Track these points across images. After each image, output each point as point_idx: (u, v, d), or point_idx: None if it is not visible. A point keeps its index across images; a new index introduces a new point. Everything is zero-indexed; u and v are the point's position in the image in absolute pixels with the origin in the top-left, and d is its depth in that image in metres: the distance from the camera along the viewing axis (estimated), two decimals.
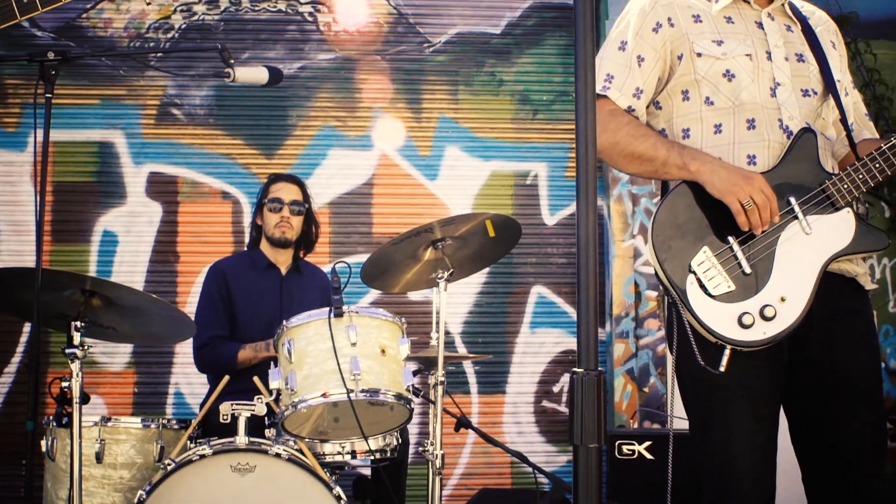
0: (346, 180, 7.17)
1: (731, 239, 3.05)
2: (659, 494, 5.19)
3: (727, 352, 2.98)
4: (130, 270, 6.96)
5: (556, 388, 7.14)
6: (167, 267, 7.00)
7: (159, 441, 4.51)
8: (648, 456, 5.34)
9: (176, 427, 4.61)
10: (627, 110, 3.23)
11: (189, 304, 6.85)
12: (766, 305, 2.99)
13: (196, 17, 7.10)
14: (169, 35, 7.06)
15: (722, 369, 2.97)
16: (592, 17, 2.11)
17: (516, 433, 7.06)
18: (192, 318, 4.84)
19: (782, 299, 3.01)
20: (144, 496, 3.98)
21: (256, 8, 7.14)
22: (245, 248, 5.67)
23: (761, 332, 2.99)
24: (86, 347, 4.12)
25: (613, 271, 7.00)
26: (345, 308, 4.26)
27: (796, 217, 3.08)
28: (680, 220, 3.08)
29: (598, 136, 3.06)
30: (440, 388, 4.51)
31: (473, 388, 7.09)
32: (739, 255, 3.04)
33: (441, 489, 4.53)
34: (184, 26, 7.10)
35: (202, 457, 4.05)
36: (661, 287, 3.15)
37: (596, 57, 3.28)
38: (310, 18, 7.21)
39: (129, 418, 4.57)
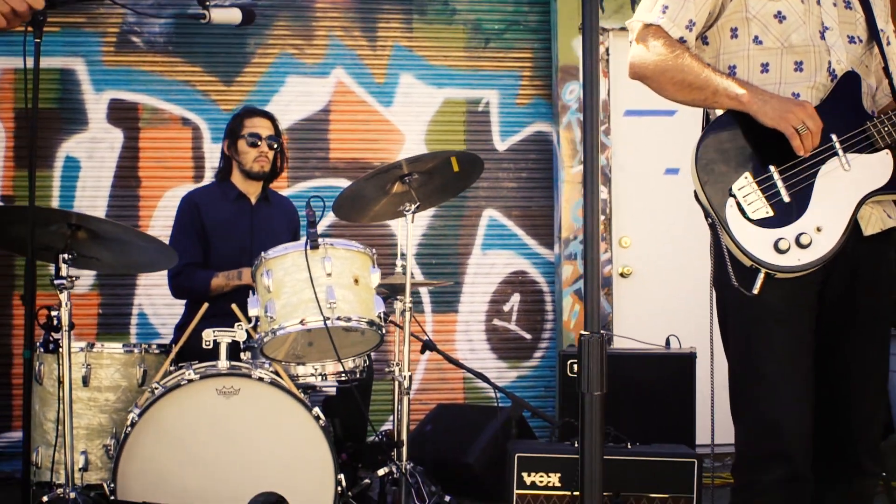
0: (304, 107, 7.31)
1: (772, 168, 3.13)
2: (609, 407, 5.55)
3: (761, 275, 3.07)
4: (93, 195, 7.08)
5: (506, 308, 7.41)
6: (129, 192, 7.13)
7: (142, 365, 4.78)
8: None
9: (156, 352, 4.87)
10: (679, 41, 3.27)
11: (152, 227, 7.04)
12: (802, 233, 3.07)
13: None
14: None
15: (755, 291, 3.07)
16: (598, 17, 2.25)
17: (468, 350, 7.32)
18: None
19: (818, 229, 3.08)
20: (136, 419, 4.22)
21: None
22: (213, 179, 5.84)
23: (796, 258, 3.07)
24: (73, 278, 4.36)
25: (562, 196, 7.23)
26: (320, 241, 4.50)
27: (836, 153, 3.15)
28: (724, 147, 3.16)
29: (650, 62, 3.29)
30: (408, 314, 4.79)
31: (427, 307, 7.34)
32: (779, 183, 3.12)
33: (409, 408, 4.83)
34: None
35: (189, 381, 4.29)
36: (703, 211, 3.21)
37: None
38: None
39: (113, 344, 4.80)
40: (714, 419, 3.35)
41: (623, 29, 7.31)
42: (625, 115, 7.32)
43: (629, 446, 4.73)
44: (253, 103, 7.02)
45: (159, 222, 7.04)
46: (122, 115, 7.16)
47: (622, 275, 7.33)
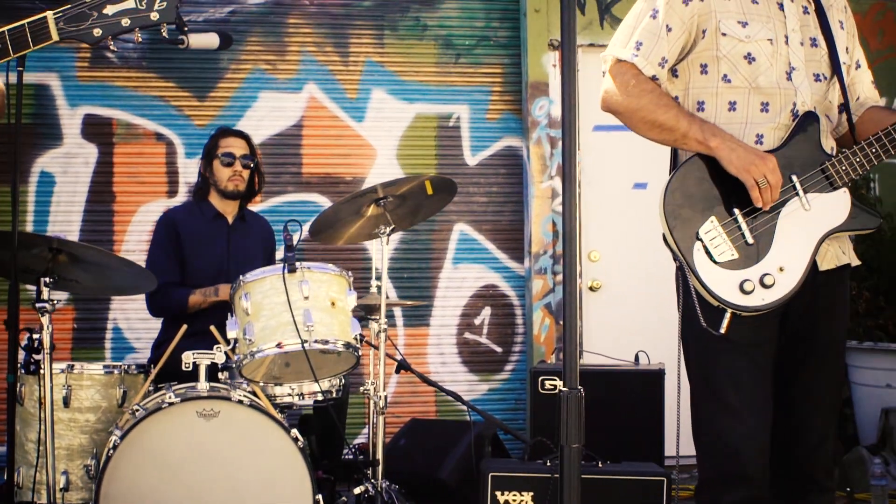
0: (276, 122, 7.37)
1: (736, 211, 3.24)
2: None
3: (728, 315, 3.20)
4: (67, 210, 7.12)
5: (477, 321, 7.50)
6: (103, 207, 7.17)
7: (122, 386, 4.83)
8: None
9: (135, 372, 4.93)
10: (652, 78, 3.35)
11: (126, 241, 7.11)
12: (766, 274, 3.20)
13: None
14: None
15: (722, 331, 3.19)
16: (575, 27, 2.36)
17: (440, 363, 7.41)
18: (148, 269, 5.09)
19: (781, 269, 3.21)
20: (118, 441, 4.28)
21: None
22: (188, 196, 5.91)
23: (760, 298, 3.20)
24: (55, 301, 4.42)
25: (532, 211, 7.33)
26: (298, 264, 4.58)
27: (797, 194, 3.27)
28: (691, 191, 3.27)
29: (621, 99, 3.39)
30: (383, 335, 4.89)
31: (399, 321, 7.41)
32: (744, 226, 3.24)
33: (384, 427, 4.93)
34: None
35: (170, 403, 4.36)
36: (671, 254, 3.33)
37: (624, 21, 3.47)
38: None
39: (93, 365, 4.84)
40: (679, 433, 3.45)
41: (591, 45, 7.44)
42: (593, 131, 7.42)
43: (599, 465, 4.83)
44: (226, 118, 7.13)
45: (133, 237, 7.10)
46: (96, 130, 7.20)
47: (591, 288, 7.45)
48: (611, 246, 7.50)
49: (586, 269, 7.46)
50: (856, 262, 3.48)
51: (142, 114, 7.24)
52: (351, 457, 5.36)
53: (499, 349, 7.50)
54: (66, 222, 7.08)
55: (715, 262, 3.23)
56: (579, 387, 2.12)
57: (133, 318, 7.03)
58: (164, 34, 3.40)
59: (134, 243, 7.01)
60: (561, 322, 7.16)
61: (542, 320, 7.31)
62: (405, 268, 7.45)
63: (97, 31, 3.19)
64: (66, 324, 7.09)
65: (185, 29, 4.53)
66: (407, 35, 7.55)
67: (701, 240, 3.24)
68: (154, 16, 3.27)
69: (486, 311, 7.51)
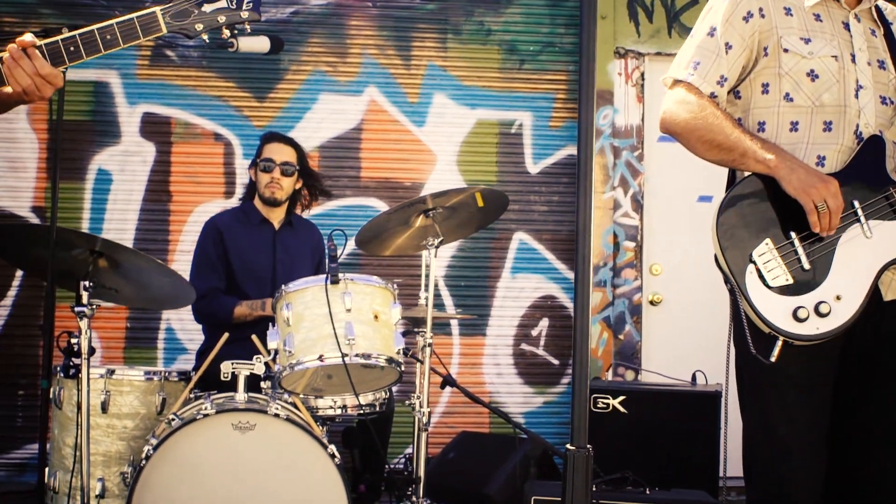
0: (336, 125, 7.27)
1: (793, 234, 3.09)
2: (631, 447, 5.51)
3: (779, 343, 3.03)
4: (124, 209, 7.09)
5: (534, 332, 7.33)
6: (160, 206, 7.12)
7: (161, 393, 4.76)
8: (622, 409, 5.59)
9: (176, 379, 4.86)
10: (710, 97, 3.25)
11: (181, 242, 7.06)
12: (822, 302, 3.03)
13: None
14: None
15: (773, 359, 3.04)
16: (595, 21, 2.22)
17: (495, 374, 7.27)
18: (191, 283, 5.00)
19: (837, 298, 3.05)
20: (152, 451, 4.20)
21: None
22: (240, 201, 5.84)
23: (814, 327, 3.03)
24: (94, 306, 4.34)
25: (594, 222, 7.18)
26: (341, 275, 4.46)
27: (859, 220, 3.12)
28: (746, 211, 3.14)
29: (679, 120, 3.27)
30: (428, 350, 4.76)
31: (455, 329, 7.29)
32: (800, 251, 3.08)
33: (427, 444, 4.81)
34: None
35: (206, 415, 4.27)
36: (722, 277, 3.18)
37: (686, 41, 3.37)
38: None
39: (133, 371, 4.79)
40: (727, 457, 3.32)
41: (659, 53, 7.26)
42: (658, 141, 7.24)
43: (647, 492, 4.67)
44: (285, 120, 7.09)
45: (189, 237, 7.02)
46: (154, 128, 7.16)
47: (652, 303, 7.26)
48: (674, 260, 7.31)
49: (647, 283, 7.27)
50: None
51: (201, 113, 7.18)
52: (396, 471, 5.24)
53: (556, 362, 7.33)
54: (122, 220, 7.06)
55: (768, 286, 3.07)
56: (588, 446, 1.96)
57: (186, 318, 6.91)
58: (205, 39, 3.45)
59: (189, 243, 6.88)
60: (620, 336, 7.08)
61: (600, 334, 7.14)
62: (463, 276, 7.32)
63: (199, 26, 3.32)
64: (120, 323, 7.06)
65: (235, 32, 4.45)
66: (470, 39, 7.41)
67: (754, 262, 3.09)
68: (244, 14, 3.38)
69: (544, 323, 7.35)
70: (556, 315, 7.38)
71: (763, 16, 3.27)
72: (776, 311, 3.06)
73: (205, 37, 3.37)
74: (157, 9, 3.28)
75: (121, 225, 7.07)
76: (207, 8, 3.31)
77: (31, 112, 7.03)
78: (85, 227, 7.03)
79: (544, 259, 7.39)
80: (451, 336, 7.27)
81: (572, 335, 2.10)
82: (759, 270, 3.08)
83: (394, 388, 5.04)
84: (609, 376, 6.98)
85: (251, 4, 3.38)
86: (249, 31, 3.55)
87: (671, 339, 7.20)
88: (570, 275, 7.36)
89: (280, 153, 5.53)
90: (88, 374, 4.31)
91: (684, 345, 7.07)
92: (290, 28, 7.20)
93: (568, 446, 1.94)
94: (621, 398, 5.59)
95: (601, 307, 7.16)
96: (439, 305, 7.16)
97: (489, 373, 7.29)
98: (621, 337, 7.11)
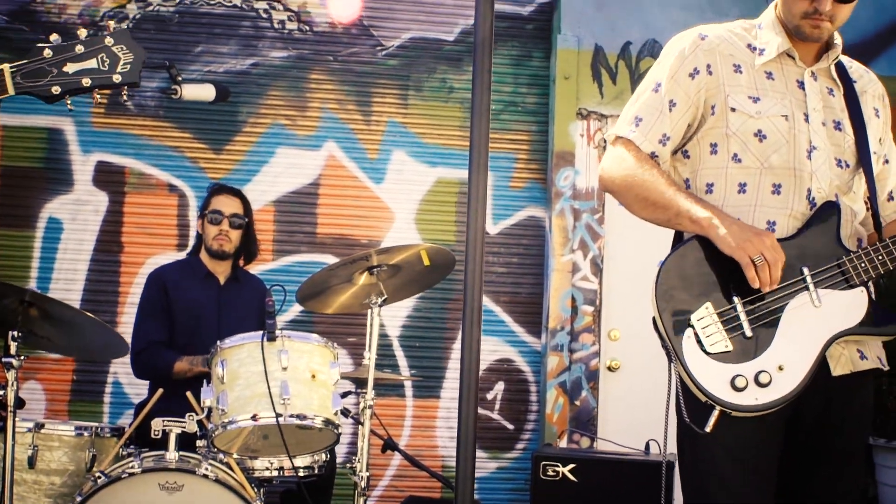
0: (294, 179, 7.16)
1: (736, 299, 2.97)
2: None
3: (716, 412, 2.91)
4: (74, 258, 6.94)
5: (489, 396, 7.18)
6: (111, 256, 6.98)
7: (91, 449, 4.60)
8: (572, 478, 5.45)
9: (108, 435, 4.71)
10: (651, 155, 3.15)
11: (131, 294, 6.89)
12: (762, 371, 2.91)
13: (151, 8, 7.08)
14: (123, 24, 7.03)
15: (708, 429, 2.91)
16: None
17: (449, 438, 7.10)
18: (133, 335, 4.89)
19: (780, 368, 2.92)
20: None
21: (212, 2, 7.14)
22: (187, 254, 5.74)
23: (753, 397, 2.91)
24: (21, 357, 4.21)
25: (552, 285, 7.05)
26: (278, 332, 4.35)
27: (807, 288, 2.99)
28: (687, 273, 3.02)
29: (615, 176, 3.19)
30: (368, 412, 4.63)
31: (409, 391, 7.14)
32: (742, 316, 2.97)
33: None
34: (138, 16, 7.07)
35: (131, 474, 4.12)
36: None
37: (631, 97, 3.29)
38: (264, 15, 7.19)
39: (64, 425, 4.66)
40: None
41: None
42: (619, 205, 7.12)
43: None
44: (242, 173, 6.99)
45: (139, 289, 6.78)
46: (108, 178, 7.04)
47: (610, 368, 7.13)
48: (633, 325, 7.18)
49: (606, 348, 7.14)
50: (883, 366, 3.15)
51: (156, 164, 7.06)
52: None
53: (511, 426, 7.19)
54: (72, 270, 6.93)
55: (706, 352, 2.95)
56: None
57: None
58: (125, 97, 3.27)
59: (139, 295, 6.79)
60: (576, 402, 6.94)
61: (555, 399, 6.99)
62: (417, 336, 7.18)
63: (55, 89, 3.10)
64: (66, 375, 6.89)
65: (179, 79, 4.36)
66: (432, 97, 7.33)
67: (692, 326, 2.97)
68: (117, 77, 3.16)
69: (500, 387, 7.21)
70: (513, 379, 7.24)
71: (710, 73, 3.17)
72: (713, 378, 2.93)
73: (68, 102, 3.16)
74: (5, 66, 3.09)
75: (71, 275, 6.93)
76: (70, 68, 3.09)
77: None
78: (34, 275, 6.89)
79: (502, 322, 7.25)
80: (405, 398, 7.12)
81: (461, 324, 1.96)
82: (697, 335, 2.96)
83: (337, 450, 4.91)
84: (563, 443, 6.83)
85: (127, 66, 3.16)
86: (126, 98, 3.35)
87: (628, 405, 7.06)
88: (529, 338, 7.24)
89: (229, 205, 5.42)
90: (14, 427, 4.17)
91: (640, 412, 6.92)
92: (249, 80, 7.12)
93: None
94: (571, 466, 5.43)
95: (557, 372, 7.02)
96: (393, 366, 7.02)
97: (442, 436, 7.13)
98: (577, 403, 6.97)
